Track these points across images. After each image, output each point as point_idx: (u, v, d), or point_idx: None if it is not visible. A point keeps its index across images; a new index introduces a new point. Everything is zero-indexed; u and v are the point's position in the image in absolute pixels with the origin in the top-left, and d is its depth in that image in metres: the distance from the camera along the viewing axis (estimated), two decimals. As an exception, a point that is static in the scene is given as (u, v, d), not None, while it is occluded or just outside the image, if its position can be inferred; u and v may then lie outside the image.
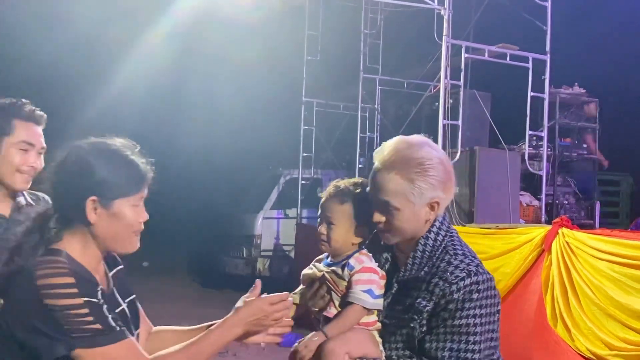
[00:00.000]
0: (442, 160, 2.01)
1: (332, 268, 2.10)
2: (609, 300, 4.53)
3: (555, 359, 4.78)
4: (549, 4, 8.09)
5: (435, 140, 7.46)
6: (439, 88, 7.64)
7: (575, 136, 9.52)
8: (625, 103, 10.95)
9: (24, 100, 2.54)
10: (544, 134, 8.19)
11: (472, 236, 6.12)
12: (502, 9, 8.46)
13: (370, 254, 2.11)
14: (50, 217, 1.83)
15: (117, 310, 1.84)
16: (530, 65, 7.93)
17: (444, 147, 7.45)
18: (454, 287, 1.90)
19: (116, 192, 1.80)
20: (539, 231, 5.30)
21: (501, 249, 5.56)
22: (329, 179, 10.94)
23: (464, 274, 1.91)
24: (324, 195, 2.19)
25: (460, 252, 1.99)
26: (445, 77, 7.54)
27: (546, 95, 8.09)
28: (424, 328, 1.95)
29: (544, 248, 5.13)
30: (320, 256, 2.21)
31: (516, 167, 7.86)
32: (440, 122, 7.45)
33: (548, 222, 7.30)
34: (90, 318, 1.69)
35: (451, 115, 7.58)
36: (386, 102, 10.05)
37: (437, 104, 7.71)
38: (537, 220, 7.97)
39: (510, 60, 7.94)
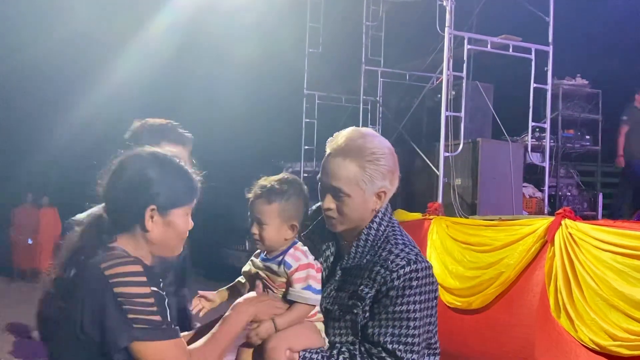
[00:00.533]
0: (392, 151, 2.10)
1: (267, 264, 2.15)
2: (612, 291, 4.53)
3: (558, 350, 4.77)
4: (551, -5, 8.05)
5: (438, 132, 7.46)
6: (442, 80, 7.62)
7: (578, 127, 9.50)
8: (628, 93, 10.89)
9: (173, 122, 2.63)
10: (547, 125, 8.17)
11: (475, 228, 6.12)
12: (504, 0, 8.43)
13: (306, 248, 2.16)
14: (105, 221, 1.87)
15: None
16: (532, 56, 7.90)
17: (446, 139, 7.45)
18: (394, 275, 1.97)
19: (174, 202, 1.88)
20: (542, 222, 5.29)
21: (504, 241, 5.55)
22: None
23: (404, 262, 1.98)
24: (251, 196, 2.20)
25: (400, 242, 2.06)
26: (448, 69, 7.51)
27: (549, 87, 8.07)
28: (367, 314, 2.02)
29: (547, 239, 5.12)
30: (258, 250, 2.24)
31: (519, 158, 7.84)
32: (443, 114, 7.43)
33: (551, 213, 7.30)
34: (155, 308, 1.73)
35: (454, 107, 7.56)
36: (388, 94, 10.01)
37: (439, 95, 7.69)
38: (540, 212, 7.96)
39: (512, 51, 7.91)
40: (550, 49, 8.00)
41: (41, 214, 13.17)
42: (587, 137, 9.54)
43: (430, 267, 2.04)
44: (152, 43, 11.91)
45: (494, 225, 5.92)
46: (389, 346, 1.98)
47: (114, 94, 13.00)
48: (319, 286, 2.10)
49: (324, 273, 2.17)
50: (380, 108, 9.96)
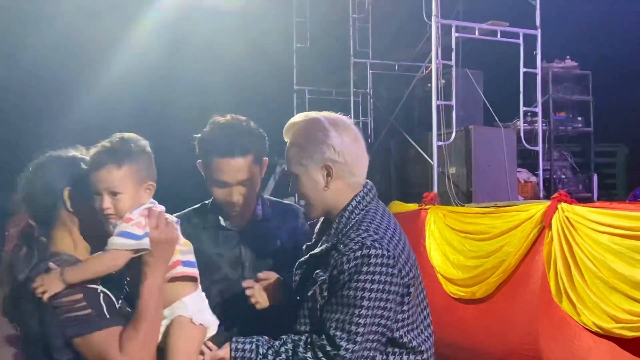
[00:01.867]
0: (336, 122, 2.11)
1: None
2: (612, 273, 4.52)
3: (562, 334, 4.77)
4: (536, -22, 8.03)
5: (430, 121, 7.45)
6: (431, 69, 7.60)
7: (569, 110, 9.51)
8: (618, 73, 10.90)
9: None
10: (538, 109, 8.16)
11: (472, 216, 6.11)
12: (490, -14, 8.41)
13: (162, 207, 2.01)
14: (31, 228, 1.96)
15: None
16: (521, 41, 7.87)
17: (438, 128, 7.43)
18: (344, 258, 1.93)
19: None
20: (538, 207, 5.28)
21: (502, 228, 5.54)
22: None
23: (357, 247, 1.94)
24: (87, 167, 1.96)
25: (364, 228, 2.00)
26: (437, 58, 7.49)
27: (538, 71, 8.05)
28: (324, 301, 2.01)
29: (544, 224, 5.11)
30: None
31: (512, 144, 7.83)
32: (434, 103, 7.41)
33: (547, 197, 7.30)
34: (84, 304, 1.80)
35: (444, 96, 7.54)
36: (378, 86, 9.99)
37: (429, 85, 7.67)
38: (536, 196, 7.97)
39: (501, 37, 7.89)
40: (538, 32, 7.98)
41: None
42: (579, 118, 9.55)
43: (388, 257, 1.95)
44: (138, 42, 11.82)
45: (491, 213, 5.90)
46: (331, 332, 1.93)
47: (101, 95, 12.90)
48: (141, 231, 1.86)
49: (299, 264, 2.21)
50: (371, 100, 9.94)
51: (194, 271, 2.00)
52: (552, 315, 4.89)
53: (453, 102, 7.49)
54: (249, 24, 10.63)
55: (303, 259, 2.14)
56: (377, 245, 1.95)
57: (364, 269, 1.91)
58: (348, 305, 1.92)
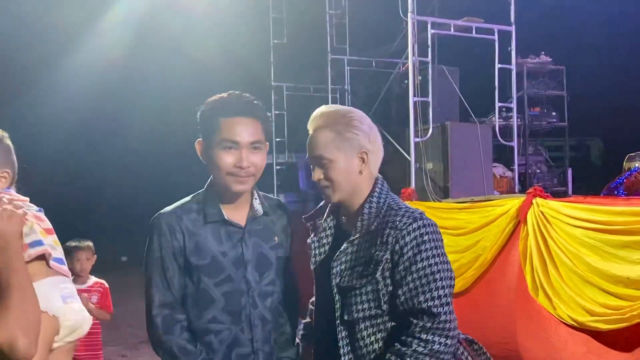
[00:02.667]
0: (365, 116, 2.22)
1: None
2: (587, 266, 4.60)
3: (539, 328, 4.84)
4: (511, -25, 8.10)
5: (407, 118, 7.49)
6: (408, 66, 7.64)
7: (544, 105, 9.62)
8: (592, 68, 11.06)
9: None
10: (513, 104, 8.25)
11: (449, 212, 6.17)
12: (465, -18, 8.47)
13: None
14: None
15: None
16: (496, 37, 7.95)
17: (415, 124, 7.48)
18: (404, 232, 2.03)
19: None
20: (514, 202, 5.34)
21: (479, 223, 5.60)
22: (304, 162, 10.92)
23: (411, 220, 2.06)
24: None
25: (403, 207, 2.14)
26: (413, 54, 7.53)
27: (513, 66, 8.14)
28: (388, 281, 2.05)
29: (520, 219, 5.18)
30: None
31: (487, 139, 7.91)
32: (411, 99, 7.46)
33: (522, 191, 7.38)
34: None
35: (421, 92, 7.59)
36: (356, 82, 10.01)
37: (406, 81, 7.72)
38: (511, 191, 8.05)
39: (476, 33, 7.95)
40: (512, 28, 8.06)
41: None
42: (554, 113, 9.68)
43: (433, 224, 2.11)
44: (108, 36, 11.70)
45: (467, 208, 5.97)
46: (423, 305, 2.00)
47: (60, 88, 12.73)
48: None
49: (322, 250, 2.20)
50: (349, 96, 9.95)
51: (43, 250, 1.85)
52: (528, 309, 4.96)
53: (429, 99, 7.54)
54: (225, 20, 10.59)
55: (343, 248, 2.12)
56: (424, 217, 2.11)
57: (425, 237, 2.04)
58: (426, 275, 2.02)
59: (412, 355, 1.96)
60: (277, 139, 10.55)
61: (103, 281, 4.49)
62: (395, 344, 2.01)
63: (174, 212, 2.21)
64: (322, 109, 2.21)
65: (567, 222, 4.87)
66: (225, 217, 2.23)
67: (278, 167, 10.56)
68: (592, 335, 4.50)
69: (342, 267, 2.10)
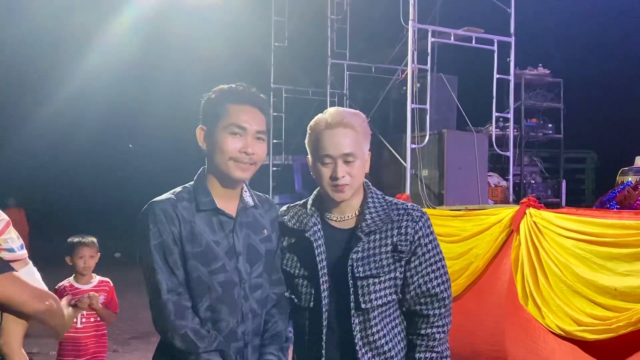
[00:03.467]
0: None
1: None
2: (576, 277, 4.65)
3: (527, 336, 4.89)
4: (512, -13, 8.19)
5: (405, 124, 7.55)
6: (407, 73, 7.70)
7: (540, 116, 9.70)
8: (588, 82, 11.15)
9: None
10: (510, 115, 8.33)
11: (443, 219, 6.21)
12: (466, -8, 8.56)
13: None
14: None
15: None
16: (495, 47, 8.03)
17: (412, 131, 7.55)
18: (420, 223, 2.24)
19: None
20: (507, 212, 5.39)
21: (472, 231, 5.65)
22: (300, 164, 10.98)
23: (420, 213, 2.27)
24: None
25: (396, 200, 2.33)
26: (413, 62, 7.60)
27: (511, 77, 8.22)
28: (405, 268, 2.23)
29: (513, 229, 5.23)
30: None
31: (484, 148, 7.99)
32: (409, 106, 7.53)
33: (516, 201, 7.45)
34: None
35: (419, 99, 7.66)
36: (354, 87, 10.08)
37: (405, 88, 7.78)
38: (506, 201, 8.12)
39: (475, 43, 8.03)
40: (512, 40, 8.15)
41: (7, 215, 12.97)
42: (550, 125, 9.76)
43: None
44: (117, 39, 11.77)
45: (461, 216, 6.01)
46: (436, 290, 2.23)
47: (75, 91, 12.80)
48: None
49: (321, 243, 2.24)
50: (347, 101, 10.02)
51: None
52: (518, 317, 5.01)
53: (427, 106, 7.61)
54: (228, 22, 10.66)
55: (356, 239, 2.21)
56: (422, 208, 2.31)
57: (431, 228, 2.27)
58: (436, 262, 2.25)
59: (440, 343, 2.23)
60: (275, 141, 10.62)
61: (107, 279, 4.31)
62: (420, 337, 2.24)
63: (168, 199, 2.18)
64: (338, 109, 2.30)
65: (558, 233, 4.92)
66: (217, 206, 2.21)
67: (274, 169, 10.62)
68: (579, 345, 4.55)
69: (359, 256, 2.19)
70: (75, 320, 4.06)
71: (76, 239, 4.19)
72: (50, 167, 15.29)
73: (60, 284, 4.17)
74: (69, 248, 4.17)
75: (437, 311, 2.24)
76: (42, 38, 11.55)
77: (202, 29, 11.21)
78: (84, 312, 4.07)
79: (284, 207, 2.44)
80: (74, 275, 4.21)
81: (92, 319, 4.13)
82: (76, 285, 4.15)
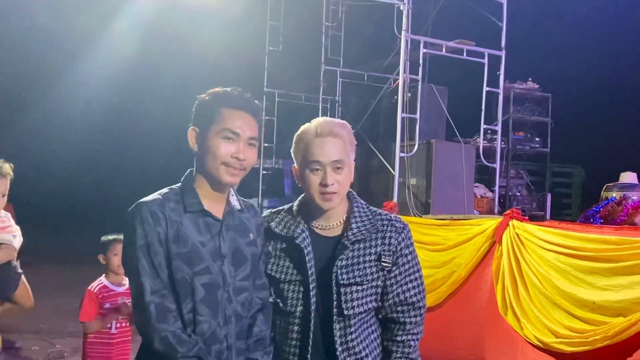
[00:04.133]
0: None
1: None
2: (556, 289, 4.73)
3: (506, 346, 4.97)
4: (505, 1, 8.29)
5: (395, 133, 7.64)
6: (398, 82, 7.79)
7: (528, 130, 9.82)
8: (576, 97, 11.28)
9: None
10: (498, 127, 8.43)
11: (428, 227, 6.29)
12: (459, 5, 8.66)
13: None
14: None
15: None
16: (486, 60, 8.13)
17: (402, 140, 7.63)
18: (403, 235, 2.33)
19: None
20: (491, 223, 5.48)
21: (456, 240, 5.73)
22: (290, 169, 11.01)
23: (402, 224, 2.35)
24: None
25: (379, 211, 2.40)
26: (404, 72, 7.69)
27: (501, 90, 8.31)
28: (386, 276, 2.30)
29: (495, 239, 5.32)
30: None
31: (471, 159, 8.08)
32: (399, 115, 7.61)
33: (501, 213, 7.54)
34: None
35: (409, 109, 7.75)
36: (347, 94, 10.15)
37: (396, 97, 7.86)
38: (491, 212, 8.21)
39: (466, 55, 8.13)
40: (502, 53, 8.25)
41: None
42: (537, 139, 9.87)
43: None
44: (114, 41, 11.81)
45: (446, 225, 6.10)
46: (412, 299, 2.33)
47: (76, 91, 12.82)
48: None
49: (309, 250, 2.28)
50: (339, 107, 10.09)
51: None
52: (497, 327, 5.09)
53: (417, 116, 7.70)
54: (224, 24, 10.71)
55: (341, 247, 2.27)
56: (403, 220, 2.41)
57: (410, 238, 2.35)
58: (414, 272, 2.35)
59: (414, 350, 2.35)
60: (266, 144, 10.66)
61: None
62: (395, 344, 2.33)
63: (154, 200, 2.18)
64: (326, 119, 2.35)
65: (540, 245, 5.01)
66: (205, 207, 2.22)
67: (264, 172, 10.66)
68: (556, 357, 4.62)
69: (344, 264, 2.26)
70: (109, 325, 4.00)
71: (111, 237, 4.09)
72: (46, 168, 15.26)
73: (93, 285, 4.07)
74: (103, 246, 4.09)
75: (413, 319, 2.34)
76: (40, 38, 11.56)
77: (198, 32, 11.25)
78: (119, 317, 4.01)
79: (267, 212, 2.48)
80: (104, 274, 4.12)
81: (124, 324, 4.06)
82: (110, 287, 4.06)
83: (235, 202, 2.33)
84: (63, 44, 12.04)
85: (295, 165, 2.38)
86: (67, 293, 6.91)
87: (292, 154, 2.39)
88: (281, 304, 2.32)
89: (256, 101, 2.32)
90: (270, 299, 2.34)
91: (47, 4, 10.38)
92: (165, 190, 2.27)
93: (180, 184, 2.29)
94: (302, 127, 2.35)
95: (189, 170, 2.31)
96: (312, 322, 2.25)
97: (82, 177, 15.84)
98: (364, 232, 2.29)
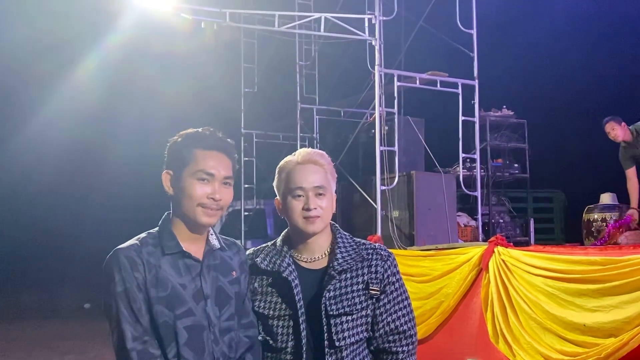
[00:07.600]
0: None
1: None
2: (545, 314, 4.71)
3: (498, 374, 4.91)
4: (474, 32, 8.44)
5: (374, 166, 7.65)
6: (375, 116, 7.84)
7: (506, 156, 9.89)
8: (552, 121, 11.43)
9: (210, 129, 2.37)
10: (477, 156, 8.48)
11: (414, 259, 6.27)
12: (430, 38, 8.79)
13: None
14: None
15: None
16: (459, 90, 8.22)
17: (382, 173, 7.65)
18: (389, 263, 2.33)
19: None
20: (476, 251, 5.48)
21: (442, 270, 5.71)
22: (272, 209, 10.99)
23: (387, 252, 2.35)
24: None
25: (363, 240, 2.41)
26: (380, 105, 7.75)
27: (476, 119, 8.39)
28: (376, 305, 2.30)
29: (482, 267, 5.30)
30: None
31: (452, 189, 8.10)
32: (377, 148, 7.64)
33: (485, 240, 7.53)
34: None
35: (387, 142, 7.78)
36: (324, 131, 10.20)
37: (373, 131, 7.90)
38: (475, 240, 8.20)
39: (440, 86, 8.22)
40: (475, 83, 8.36)
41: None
42: (516, 165, 9.95)
43: None
44: (83, 83, 11.79)
45: (431, 255, 6.08)
46: (403, 328, 2.32)
47: (40, 134, 12.72)
48: None
49: (297, 284, 2.26)
50: (317, 144, 10.12)
51: None
52: (489, 355, 5.04)
53: (396, 148, 7.74)
54: (197, 68, 10.76)
55: (328, 277, 2.26)
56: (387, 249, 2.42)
57: (395, 265, 2.35)
58: (403, 301, 2.34)
59: None
60: (246, 185, 10.64)
61: None
62: None
63: (131, 245, 2.17)
64: (306, 149, 2.42)
65: (527, 270, 5.00)
66: (184, 248, 2.20)
67: (246, 214, 10.61)
68: (550, 382, 4.58)
69: (332, 294, 2.24)
70: None
71: None
72: (7, 212, 15.03)
73: None
74: None
75: (405, 348, 2.31)
76: (6, 79, 11.49)
77: (171, 77, 11.29)
78: None
79: (251, 250, 2.45)
80: None
81: None
82: None
83: (214, 241, 2.31)
84: (27, 82, 11.99)
85: (277, 197, 2.37)
86: None
87: (275, 187, 2.38)
88: (271, 341, 2.28)
89: (229, 139, 2.31)
90: (260, 337, 2.30)
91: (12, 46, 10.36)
92: (142, 234, 2.25)
93: (157, 227, 2.27)
94: (284, 159, 2.39)
95: (166, 214, 2.29)
96: (304, 356, 2.22)
97: (39, 224, 15.52)
98: (349, 261, 2.28)
